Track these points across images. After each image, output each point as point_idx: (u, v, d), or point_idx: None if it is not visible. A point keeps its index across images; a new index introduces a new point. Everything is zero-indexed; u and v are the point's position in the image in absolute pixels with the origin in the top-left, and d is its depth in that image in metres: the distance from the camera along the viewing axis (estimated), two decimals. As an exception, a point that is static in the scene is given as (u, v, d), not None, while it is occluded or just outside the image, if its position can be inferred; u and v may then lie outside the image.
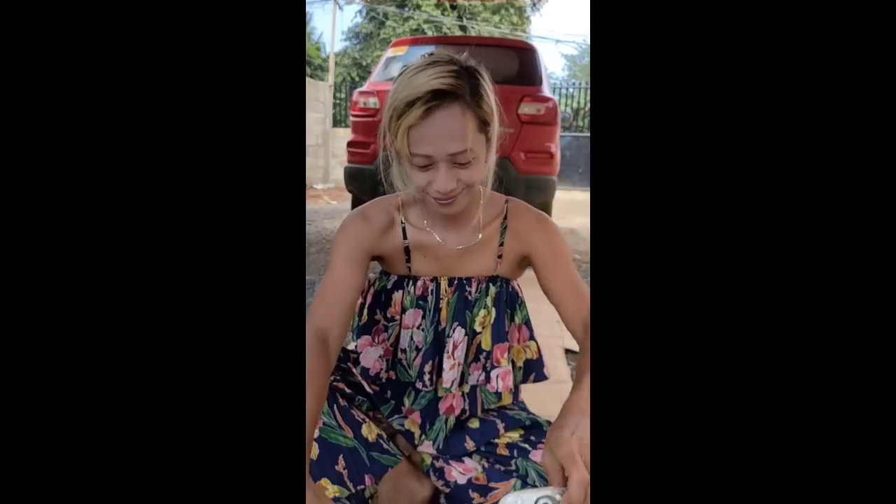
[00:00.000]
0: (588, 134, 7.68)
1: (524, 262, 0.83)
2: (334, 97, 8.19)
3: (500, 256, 0.81)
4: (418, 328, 0.83)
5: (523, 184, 2.71)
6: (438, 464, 0.83)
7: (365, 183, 2.92)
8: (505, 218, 0.80)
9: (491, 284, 0.82)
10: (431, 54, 0.69)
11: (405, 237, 0.79)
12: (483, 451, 0.84)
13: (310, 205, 5.33)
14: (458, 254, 0.80)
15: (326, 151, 7.85)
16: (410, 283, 0.82)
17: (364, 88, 3.05)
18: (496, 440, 0.84)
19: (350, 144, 3.02)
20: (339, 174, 7.77)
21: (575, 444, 0.53)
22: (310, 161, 7.41)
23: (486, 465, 0.82)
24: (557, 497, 0.52)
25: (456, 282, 0.82)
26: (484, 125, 0.68)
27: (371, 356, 0.85)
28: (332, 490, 0.77)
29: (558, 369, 1.42)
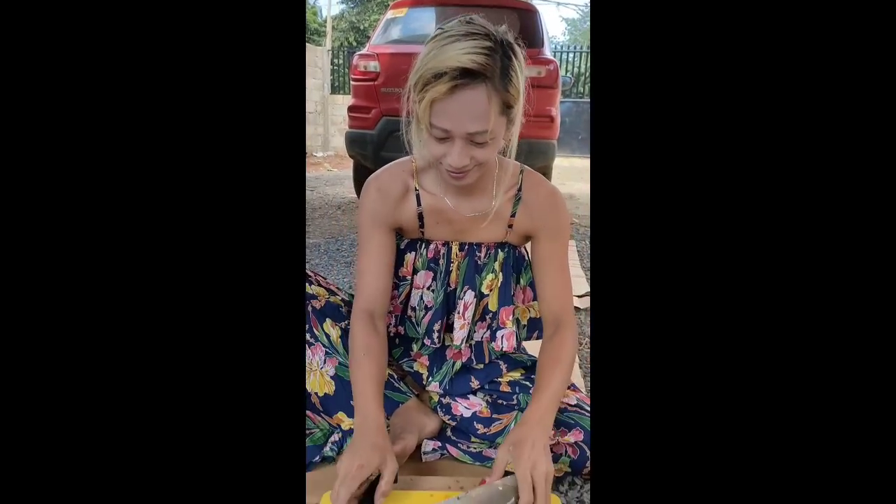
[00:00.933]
0: (588, 100, 7.59)
1: (529, 237, 0.86)
2: (332, 63, 8.02)
3: (510, 226, 0.84)
4: (428, 289, 0.87)
5: (523, 148, 2.71)
6: (445, 400, 0.89)
7: (366, 148, 2.93)
8: (519, 189, 0.83)
9: (500, 250, 0.86)
10: (470, 21, 0.67)
11: (419, 203, 0.82)
12: (487, 388, 0.90)
13: (311, 172, 5.32)
14: (471, 220, 0.83)
15: (325, 119, 7.75)
16: (423, 245, 0.86)
17: (364, 51, 3.02)
18: (499, 379, 0.91)
19: (351, 109, 3.01)
20: (338, 142, 7.67)
21: (540, 475, 0.64)
22: (308, 129, 7.32)
23: (490, 400, 0.88)
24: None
25: (467, 247, 0.86)
26: (507, 108, 0.67)
27: None
28: (347, 422, 0.84)
29: (557, 323, 1.48)
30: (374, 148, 2.90)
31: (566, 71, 8.12)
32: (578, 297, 1.75)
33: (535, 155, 2.78)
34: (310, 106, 7.38)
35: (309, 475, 0.80)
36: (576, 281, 1.90)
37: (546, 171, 3.11)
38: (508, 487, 0.64)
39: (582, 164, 7.28)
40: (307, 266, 2.03)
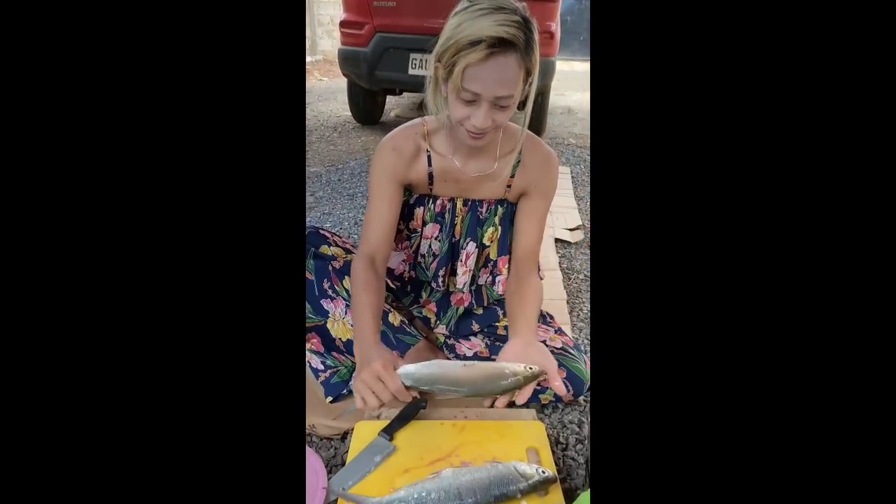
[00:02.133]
0: (593, -5, 7.05)
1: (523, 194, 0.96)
2: (314, -49, 7.29)
3: (508, 186, 0.94)
4: (436, 239, 0.99)
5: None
6: (450, 342, 1.05)
7: (360, 67, 2.84)
8: (520, 153, 0.91)
9: (499, 206, 0.96)
10: None
11: (430, 164, 0.91)
12: (486, 331, 1.05)
13: (301, 83, 5.11)
14: (475, 180, 0.92)
15: (311, 19, 7.24)
16: (431, 201, 0.96)
17: (354, -41, 2.81)
18: (496, 323, 1.05)
19: (343, 24, 2.87)
20: (326, 45, 7.25)
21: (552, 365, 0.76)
22: (294, 30, 6.85)
23: (488, 342, 1.03)
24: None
25: (470, 203, 0.96)
26: (528, 75, 0.75)
27: (396, 259, 1.04)
28: (368, 362, 0.99)
29: (549, 259, 1.61)
30: (368, 67, 2.81)
31: (570, -40, 7.45)
32: (570, 230, 1.86)
33: (534, 74, 2.72)
34: (294, 4, 6.84)
35: (339, 404, 0.97)
36: (568, 212, 2.01)
37: (545, 91, 3.05)
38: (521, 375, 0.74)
39: (583, 68, 6.99)
40: (312, 197, 2.10)
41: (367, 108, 3.32)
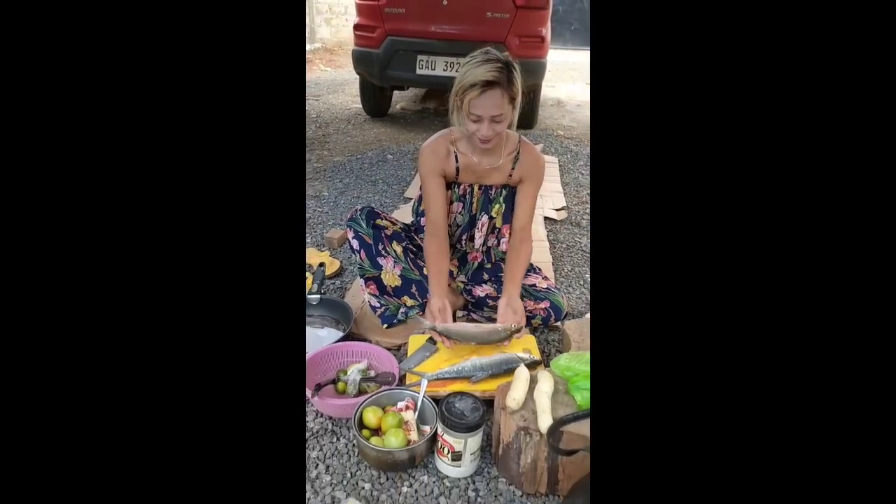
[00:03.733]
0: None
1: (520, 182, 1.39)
2: (313, -59, 7.48)
3: (510, 175, 1.37)
4: (459, 213, 1.41)
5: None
6: (468, 287, 1.47)
7: (373, 67, 3.20)
8: (518, 154, 1.35)
9: (503, 190, 1.39)
10: (487, 51, 1.17)
11: (457, 161, 1.34)
12: (493, 280, 1.47)
13: (309, 75, 5.38)
14: (487, 171, 1.36)
15: (310, 6, 7.47)
16: (456, 186, 1.39)
17: (368, -27, 3.14)
18: (500, 274, 1.47)
19: (356, 28, 3.23)
20: (324, 33, 7.50)
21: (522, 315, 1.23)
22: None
23: (495, 287, 1.46)
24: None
25: (483, 187, 1.39)
26: (512, 100, 1.18)
27: None
28: (410, 302, 1.41)
29: (538, 232, 2.03)
30: (379, 67, 3.18)
31: (561, -48, 7.70)
32: (556, 210, 2.27)
33: (526, 74, 3.02)
34: (295, -5, 7.02)
35: (392, 329, 1.39)
36: (555, 196, 2.43)
37: (535, 89, 3.43)
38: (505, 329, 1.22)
39: (574, 58, 7.30)
40: (341, 182, 2.49)
41: (376, 102, 3.69)
